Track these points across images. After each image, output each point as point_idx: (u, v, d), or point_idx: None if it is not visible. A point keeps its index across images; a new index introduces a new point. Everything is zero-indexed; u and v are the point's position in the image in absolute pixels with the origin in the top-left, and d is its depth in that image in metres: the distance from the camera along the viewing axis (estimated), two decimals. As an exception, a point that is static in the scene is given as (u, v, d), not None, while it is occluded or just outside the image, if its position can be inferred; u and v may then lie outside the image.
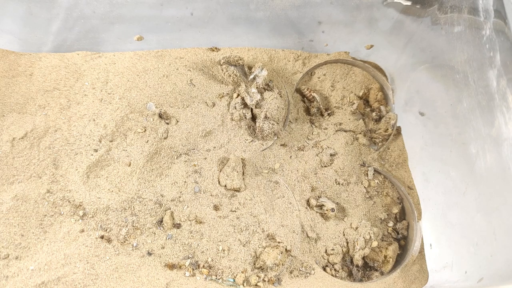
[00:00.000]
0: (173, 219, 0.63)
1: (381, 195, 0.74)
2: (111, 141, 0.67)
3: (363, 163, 0.75)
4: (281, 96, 0.72)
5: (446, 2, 0.67)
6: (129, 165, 0.65)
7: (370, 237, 0.67)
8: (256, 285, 0.61)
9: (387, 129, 0.76)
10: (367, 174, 0.74)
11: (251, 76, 0.72)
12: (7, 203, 0.61)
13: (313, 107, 0.77)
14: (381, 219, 0.72)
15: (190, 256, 0.62)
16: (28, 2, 0.66)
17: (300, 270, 0.64)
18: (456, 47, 0.65)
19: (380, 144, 0.77)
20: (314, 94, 0.77)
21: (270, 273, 0.62)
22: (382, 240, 0.70)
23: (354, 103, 0.79)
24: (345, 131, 0.76)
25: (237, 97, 0.71)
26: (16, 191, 0.62)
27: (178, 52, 0.75)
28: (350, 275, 0.67)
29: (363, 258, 0.67)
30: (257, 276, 0.61)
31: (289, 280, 0.63)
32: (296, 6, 0.72)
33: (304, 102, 0.78)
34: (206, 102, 0.72)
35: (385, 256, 0.67)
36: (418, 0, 0.70)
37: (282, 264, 0.63)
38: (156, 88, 0.71)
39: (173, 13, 0.71)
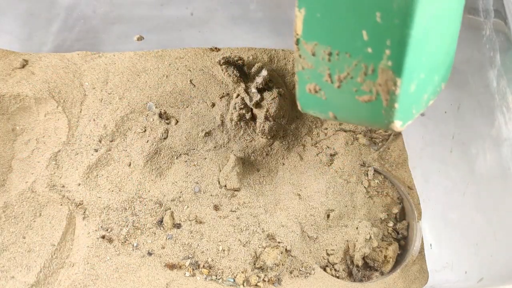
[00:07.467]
0: (173, 219, 0.63)
1: (381, 195, 0.74)
2: (111, 141, 0.67)
3: (363, 163, 0.75)
4: (281, 96, 0.72)
5: (446, 2, 0.67)
6: (129, 165, 0.65)
7: (370, 237, 0.67)
8: (256, 285, 0.61)
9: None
10: (367, 174, 0.74)
11: (251, 76, 0.72)
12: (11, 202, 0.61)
13: (313, 107, 0.77)
14: (381, 219, 0.72)
15: (190, 256, 0.62)
16: (28, 2, 0.66)
17: (300, 270, 0.64)
18: (456, 47, 0.65)
19: (380, 144, 0.77)
20: (314, 94, 0.77)
21: (270, 273, 0.62)
22: (382, 240, 0.70)
23: (354, 103, 0.79)
24: (345, 131, 0.76)
25: (237, 97, 0.71)
26: (18, 190, 0.62)
27: (178, 52, 0.75)
28: (350, 275, 0.67)
29: (363, 258, 0.67)
30: (257, 276, 0.61)
31: (289, 280, 0.63)
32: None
33: (304, 102, 0.78)
34: (206, 102, 0.72)
35: (385, 256, 0.67)
36: (418, 0, 0.70)
37: (282, 264, 0.63)
38: (156, 88, 0.71)
39: (173, 13, 0.71)
